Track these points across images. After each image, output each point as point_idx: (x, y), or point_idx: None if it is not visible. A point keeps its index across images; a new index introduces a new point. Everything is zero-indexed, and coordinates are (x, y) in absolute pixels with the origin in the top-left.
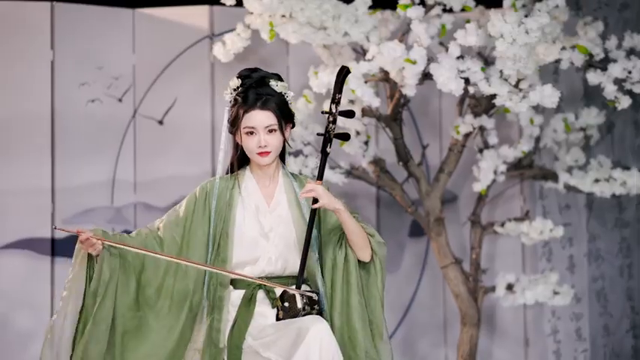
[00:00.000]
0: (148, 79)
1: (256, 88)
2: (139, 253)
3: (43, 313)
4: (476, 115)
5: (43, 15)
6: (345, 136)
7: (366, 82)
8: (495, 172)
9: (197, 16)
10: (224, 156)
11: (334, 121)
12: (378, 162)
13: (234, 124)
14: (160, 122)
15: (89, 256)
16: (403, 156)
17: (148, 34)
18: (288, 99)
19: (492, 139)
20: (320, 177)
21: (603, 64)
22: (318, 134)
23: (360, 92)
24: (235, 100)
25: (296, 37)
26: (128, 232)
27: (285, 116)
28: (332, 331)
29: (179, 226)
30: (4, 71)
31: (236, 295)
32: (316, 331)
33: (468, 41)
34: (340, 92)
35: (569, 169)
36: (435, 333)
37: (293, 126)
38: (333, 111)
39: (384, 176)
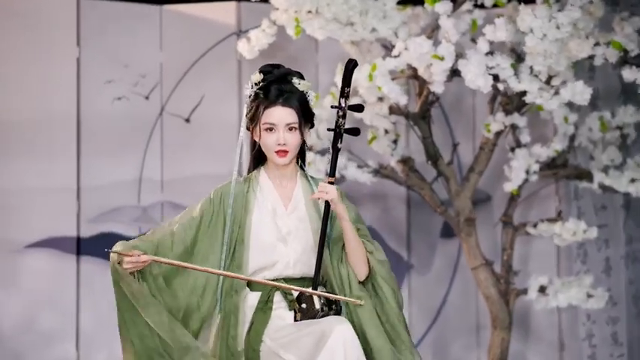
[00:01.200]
0: (175, 76)
1: (279, 84)
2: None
3: (68, 312)
4: (507, 112)
5: (69, 12)
6: (355, 131)
7: (394, 79)
8: (528, 172)
9: (224, 12)
10: (241, 153)
11: (344, 116)
12: (406, 161)
13: (254, 119)
14: (187, 120)
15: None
16: (432, 155)
17: (175, 30)
18: (309, 98)
19: (525, 138)
20: (332, 173)
21: (638, 61)
22: (328, 129)
23: (386, 89)
24: (256, 94)
25: (322, 34)
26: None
27: (306, 116)
28: None
29: (192, 229)
30: (30, 69)
31: (252, 298)
32: (340, 332)
33: (497, 37)
34: (349, 86)
35: (605, 169)
36: (467, 336)
37: (312, 126)
38: (343, 105)
39: (412, 175)
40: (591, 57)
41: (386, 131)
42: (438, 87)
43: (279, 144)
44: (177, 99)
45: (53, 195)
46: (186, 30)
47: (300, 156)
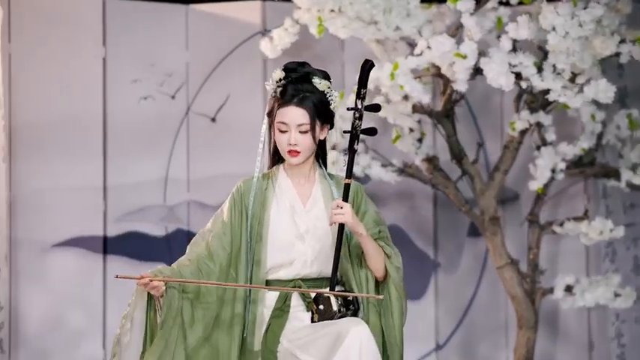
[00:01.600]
0: (201, 75)
1: (296, 84)
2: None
3: (95, 311)
4: (532, 111)
5: (95, 11)
6: (371, 131)
7: (419, 77)
8: (554, 171)
9: (249, 11)
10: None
11: (360, 117)
12: (431, 159)
13: (270, 116)
14: (213, 119)
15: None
16: (457, 153)
17: (201, 30)
18: (330, 98)
19: (550, 136)
20: (349, 175)
21: None
22: (344, 132)
23: (408, 88)
24: (275, 92)
25: (345, 32)
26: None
27: (322, 117)
28: None
29: (226, 234)
30: (56, 69)
31: (270, 298)
32: (356, 333)
33: (519, 35)
34: (365, 87)
35: (634, 167)
36: (495, 335)
37: (331, 127)
38: (359, 106)
39: (437, 174)
40: (617, 54)
41: (411, 130)
42: (461, 85)
43: (289, 144)
44: (203, 98)
45: (80, 194)
46: (212, 29)
47: (321, 154)
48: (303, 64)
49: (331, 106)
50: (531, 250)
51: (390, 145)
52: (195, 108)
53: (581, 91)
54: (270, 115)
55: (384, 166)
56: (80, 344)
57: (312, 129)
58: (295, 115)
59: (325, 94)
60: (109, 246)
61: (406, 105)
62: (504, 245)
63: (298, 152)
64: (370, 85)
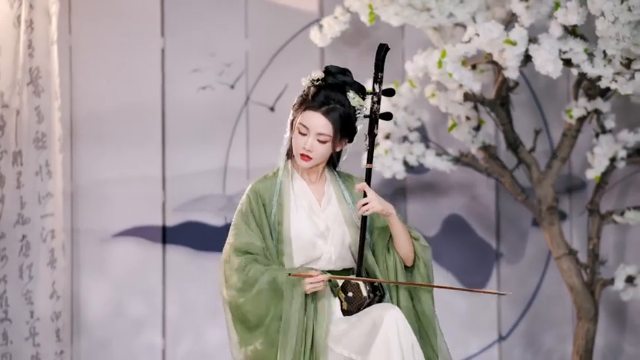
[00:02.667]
0: (260, 65)
1: (331, 91)
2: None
3: (155, 300)
4: (590, 98)
5: (154, 2)
6: (387, 116)
7: (474, 65)
8: (614, 159)
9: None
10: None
11: (378, 101)
12: (487, 148)
13: (295, 114)
14: (271, 109)
15: None
16: (512, 142)
17: (260, 19)
18: (358, 115)
19: (609, 124)
20: (369, 160)
21: None
22: (364, 116)
23: (457, 76)
24: (308, 88)
25: (398, 20)
26: None
27: (345, 131)
28: None
29: (261, 240)
30: (115, 60)
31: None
32: (391, 317)
33: (569, 20)
34: (382, 71)
35: None
36: (561, 326)
37: (350, 141)
38: (377, 91)
39: (492, 163)
40: None
41: (467, 118)
42: (512, 73)
43: (304, 148)
44: (262, 87)
45: (139, 184)
46: (270, 18)
47: (332, 159)
48: (345, 71)
49: (356, 123)
50: (591, 240)
51: (446, 133)
52: (255, 97)
53: (632, 77)
54: (295, 113)
55: (438, 155)
56: (140, 333)
57: (332, 141)
58: (318, 123)
59: (355, 110)
60: (168, 236)
61: (457, 93)
62: (562, 235)
63: (310, 158)
64: (419, 73)
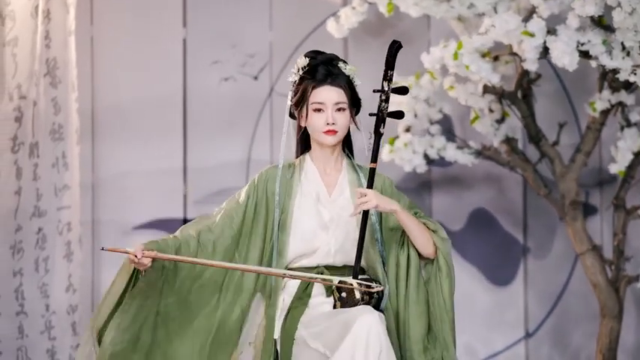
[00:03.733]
0: (284, 56)
1: (326, 66)
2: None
3: None
4: (614, 90)
5: None
6: (399, 114)
7: (497, 57)
8: (639, 153)
9: None
10: (286, 140)
11: (387, 100)
12: (509, 141)
13: (301, 102)
14: None
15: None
16: (534, 135)
17: (284, 10)
18: (355, 84)
19: (634, 117)
20: (374, 159)
21: None
22: (370, 114)
23: (474, 68)
24: (302, 78)
25: (417, 11)
26: None
27: (353, 99)
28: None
29: (238, 216)
30: (136, 51)
31: (292, 285)
32: (363, 320)
33: (586, 11)
34: (392, 69)
35: None
36: (589, 324)
37: (357, 112)
38: (386, 89)
39: (515, 157)
40: None
41: (490, 110)
42: (530, 65)
43: (328, 123)
44: (286, 79)
45: (161, 177)
46: (295, 8)
47: (347, 145)
48: (323, 52)
49: (357, 90)
50: (616, 235)
51: (468, 126)
52: (279, 89)
53: None
54: (301, 99)
55: (460, 148)
56: None
57: (349, 107)
58: (331, 95)
59: (351, 79)
60: None
61: (476, 86)
62: (585, 230)
63: (336, 131)
64: (436, 65)
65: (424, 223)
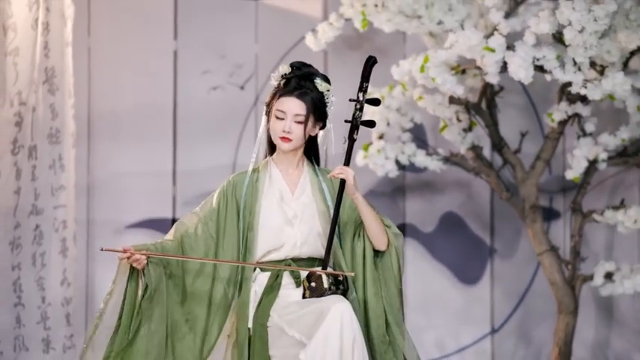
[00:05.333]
0: (269, 67)
1: (300, 79)
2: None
3: None
4: (571, 102)
5: (167, 7)
6: (370, 124)
7: (465, 70)
8: (596, 161)
9: (312, 4)
10: (259, 145)
11: (361, 109)
12: (475, 149)
13: (269, 105)
14: None
15: (131, 267)
16: (497, 143)
17: (269, 23)
18: (327, 100)
19: (589, 127)
20: (347, 163)
21: None
22: (345, 121)
23: (440, 80)
24: (278, 84)
25: (389, 26)
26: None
27: (317, 114)
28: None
29: (213, 220)
30: (130, 61)
31: (262, 278)
32: (337, 310)
33: (540, 29)
34: (367, 81)
35: None
36: (552, 321)
37: (323, 127)
38: (360, 99)
39: (479, 163)
40: None
41: (458, 119)
42: (492, 78)
43: (283, 131)
44: (271, 89)
45: (151, 179)
46: (279, 22)
47: (313, 152)
48: (309, 65)
49: (327, 108)
50: (573, 237)
51: (437, 134)
52: (264, 98)
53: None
54: (270, 104)
55: (429, 154)
56: None
57: (306, 121)
58: (294, 106)
59: (324, 95)
60: None
61: (443, 97)
62: (545, 232)
63: (290, 139)
64: (404, 77)
65: (381, 218)
